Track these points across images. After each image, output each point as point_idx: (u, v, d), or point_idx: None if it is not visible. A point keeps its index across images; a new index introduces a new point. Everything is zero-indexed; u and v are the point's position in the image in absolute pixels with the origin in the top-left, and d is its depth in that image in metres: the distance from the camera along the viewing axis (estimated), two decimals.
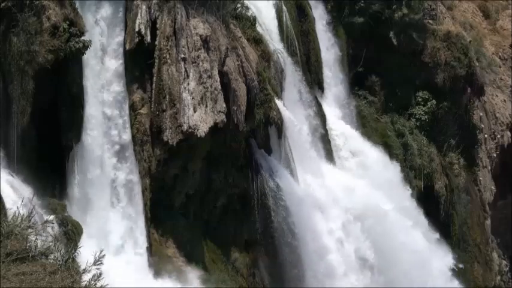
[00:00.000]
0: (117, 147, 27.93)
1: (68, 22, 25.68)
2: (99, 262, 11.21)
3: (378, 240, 35.05)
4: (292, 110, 34.00)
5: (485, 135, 45.91)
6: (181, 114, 28.35)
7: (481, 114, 45.42)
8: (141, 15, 28.20)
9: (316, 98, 36.93)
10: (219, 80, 29.44)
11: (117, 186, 27.87)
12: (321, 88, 38.28)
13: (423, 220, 39.07)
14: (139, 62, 28.69)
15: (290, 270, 32.49)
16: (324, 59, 38.44)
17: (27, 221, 11.60)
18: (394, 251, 35.75)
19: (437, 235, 39.26)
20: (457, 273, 39.83)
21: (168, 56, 28.55)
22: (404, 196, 39.01)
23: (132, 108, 28.55)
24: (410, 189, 39.82)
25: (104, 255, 11.36)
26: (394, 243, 35.87)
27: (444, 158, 42.96)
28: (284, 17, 35.78)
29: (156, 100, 28.51)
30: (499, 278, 45.84)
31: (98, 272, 11.46)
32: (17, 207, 12.72)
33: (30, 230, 11.75)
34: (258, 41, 33.34)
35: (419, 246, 37.24)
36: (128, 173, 28.05)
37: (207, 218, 31.14)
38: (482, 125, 45.48)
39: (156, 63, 28.53)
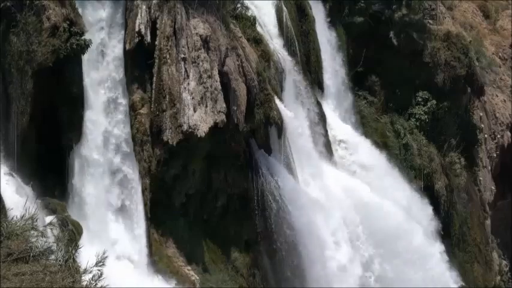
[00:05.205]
0: (117, 147, 27.91)
1: (68, 22, 25.67)
2: (102, 263, 11.20)
3: (379, 241, 35.04)
4: (292, 110, 33.99)
5: (485, 135, 45.91)
6: (181, 114, 28.35)
7: (481, 114, 45.42)
8: (141, 15, 28.19)
9: (316, 98, 36.92)
10: (219, 80, 29.44)
11: (117, 186, 27.85)
12: (321, 88, 38.26)
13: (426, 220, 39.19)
14: (140, 62, 28.69)
15: (290, 270, 32.47)
16: (323, 59, 38.42)
17: (31, 222, 11.60)
18: (395, 251, 35.73)
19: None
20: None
21: (168, 56, 28.55)
22: (406, 196, 39.00)
23: (132, 108, 28.55)
24: (411, 189, 39.81)
25: (107, 256, 11.35)
26: (396, 243, 35.86)
27: (444, 158, 42.94)
28: (284, 17, 35.78)
29: (156, 100, 28.50)
30: (499, 278, 45.83)
31: (99, 272, 11.46)
32: (25, 209, 12.71)
33: (33, 232, 11.75)
34: (258, 41, 33.34)
35: (421, 245, 37.27)
36: (127, 173, 28.03)
37: (207, 218, 31.12)
38: (482, 125, 45.47)
39: (156, 63, 28.52)
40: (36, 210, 13.88)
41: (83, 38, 25.82)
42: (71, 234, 24.39)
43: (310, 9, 38.00)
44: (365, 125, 40.57)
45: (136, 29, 28.04)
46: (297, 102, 35.44)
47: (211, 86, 29.11)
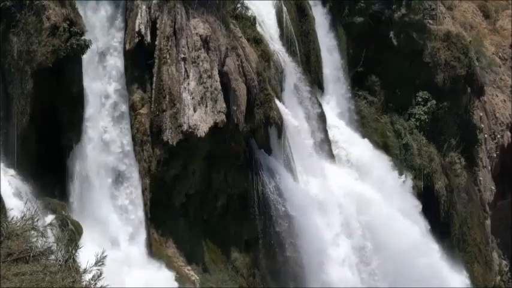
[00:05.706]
0: (117, 147, 27.91)
1: (68, 22, 25.68)
2: (101, 263, 11.20)
3: (378, 241, 35.03)
4: (292, 110, 34.00)
5: (485, 135, 45.89)
6: (181, 114, 28.35)
7: (481, 114, 45.40)
8: (141, 15, 28.21)
9: (316, 98, 36.91)
10: (219, 80, 29.45)
11: (116, 187, 27.86)
12: (321, 88, 38.26)
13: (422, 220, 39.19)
14: (140, 62, 28.70)
15: (290, 270, 32.47)
16: (323, 59, 38.41)
17: (31, 222, 11.60)
18: (395, 251, 35.72)
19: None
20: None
21: (168, 56, 28.55)
22: (405, 196, 39.01)
23: (132, 108, 28.56)
24: (411, 189, 39.81)
25: (106, 255, 11.35)
26: (395, 243, 35.84)
27: (444, 158, 42.94)
28: (284, 17, 35.78)
29: (156, 100, 28.51)
30: (499, 278, 45.81)
31: (99, 272, 11.46)
32: (28, 209, 12.71)
33: (33, 232, 11.75)
34: (258, 41, 33.34)
35: (421, 246, 37.27)
36: (127, 173, 28.03)
37: (207, 218, 31.12)
38: (482, 125, 45.46)
39: (156, 63, 28.53)
40: (37, 210, 13.90)
41: (83, 38, 25.83)
42: (71, 234, 24.39)
43: (310, 9, 38.00)
44: (365, 125, 40.56)
45: (136, 29, 28.06)
46: (296, 102, 35.44)
47: (211, 86, 29.12)
